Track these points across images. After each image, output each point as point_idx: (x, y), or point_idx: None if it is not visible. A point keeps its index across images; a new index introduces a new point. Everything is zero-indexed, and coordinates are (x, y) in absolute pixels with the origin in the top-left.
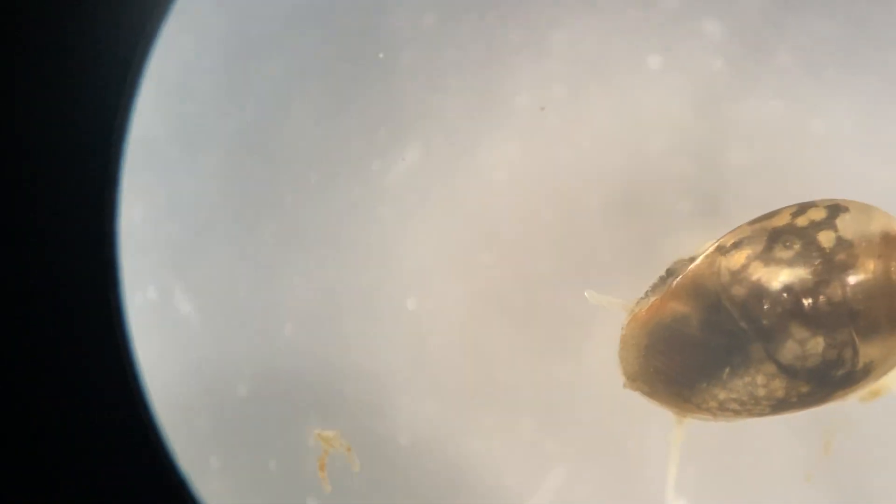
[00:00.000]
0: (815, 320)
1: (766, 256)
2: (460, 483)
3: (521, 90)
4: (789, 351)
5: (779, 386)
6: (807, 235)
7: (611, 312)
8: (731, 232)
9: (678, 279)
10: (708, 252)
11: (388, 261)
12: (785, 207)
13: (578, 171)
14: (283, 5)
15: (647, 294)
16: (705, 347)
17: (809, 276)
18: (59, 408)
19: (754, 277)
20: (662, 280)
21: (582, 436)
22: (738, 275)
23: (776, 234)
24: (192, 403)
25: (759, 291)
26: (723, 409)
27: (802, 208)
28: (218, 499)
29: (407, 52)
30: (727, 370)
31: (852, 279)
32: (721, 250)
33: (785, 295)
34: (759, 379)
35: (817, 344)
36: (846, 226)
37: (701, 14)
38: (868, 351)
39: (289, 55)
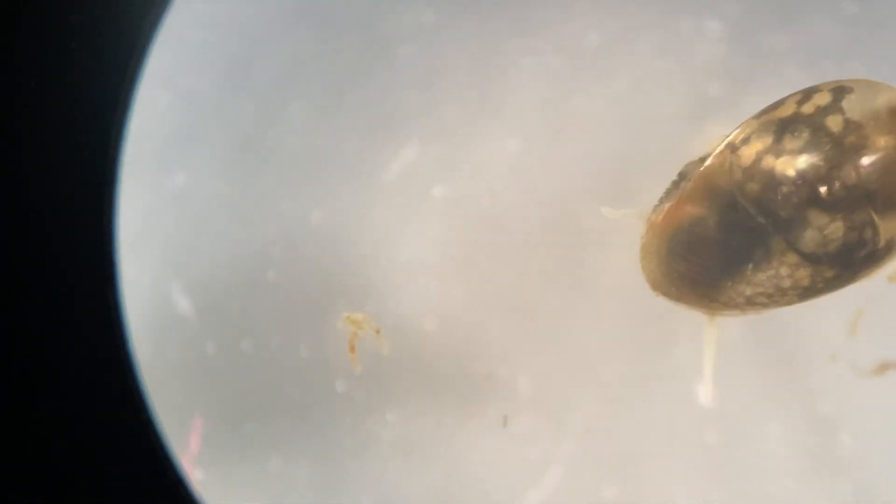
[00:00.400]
0: (832, 205)
1: (777, 148)
2: (480, 369)
3: (520, 88)
4: (810, 239)
5: (804, 274)
6: (814, 122)
7: (628, 230)
8: (739, 128)
9: (691, 182)
10: (718, 151)
11: (385, 258)
12: (790, 96)
13: (576, 170)
14: (281, 3)
15: (661, 201)
16: (725, 246)
17: (822, 162)
18: (57, 402)
19: (767, 171)
20: (675, 184)
21: (581, 432)
22: (750, 170)
23: (784, 125)
24: (224, 288)
25: (773, 184)
26: (750, 304)
27: (807, 95)
28: (250, 383)
29: (405, 50)
30: (750, 266)
31: (865, 159)
32: (730, 147)
33: (799, 184)
34: (783, 270)
35: (837, 228)
36: (852, 106)
37: (700, 12)
38: (888, 227)
39: (287, 53)
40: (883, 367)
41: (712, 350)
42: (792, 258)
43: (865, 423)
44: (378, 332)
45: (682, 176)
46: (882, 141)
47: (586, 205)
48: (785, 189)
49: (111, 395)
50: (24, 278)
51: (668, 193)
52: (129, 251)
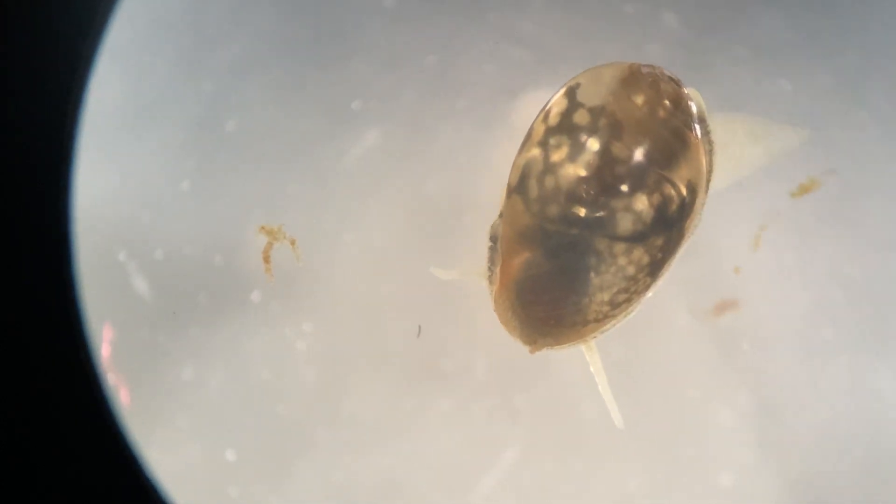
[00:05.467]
0: (623, 184)
1: (550, 167)
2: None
3: (483, 75)
4: (624, 223)
5: (639, 254)
6: (565, 127)
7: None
8: (511, 170)
9: (503, 239)
10: (506, 198)
11: (343, 244)
12: (536, 119)
13: None
14: None
15: (490, 268)
16: (562, 271)
17: (593, 156)
18: (11, 387)
19: (554, 189)
20: (493, 248)
21: (534, 418)
22: (541, 198)
23: (543, 144)
24: (134, 197)
25: (566, 199)
26: (616, 307)
27: (547, 111)
28: (161, 290)
29: (366, 34)
30: (592, 275)
31: (625, 131)
32: (516, 189)
33: (586, 185)
34: (621, 260)
35: (640, 201)
36: (588, 97)
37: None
38: (681, 174)
39: (247, 34)
40: (720, 308)
41: (601, 373)
42: (620, 247)
43: (766, 334)
44: (293, 243)
45: (493, 238)
46: (629, 109)
47: None
48: (577, 196)
49: (65, 378)
50: None
51: (491, 259)
52: (84, 231)
